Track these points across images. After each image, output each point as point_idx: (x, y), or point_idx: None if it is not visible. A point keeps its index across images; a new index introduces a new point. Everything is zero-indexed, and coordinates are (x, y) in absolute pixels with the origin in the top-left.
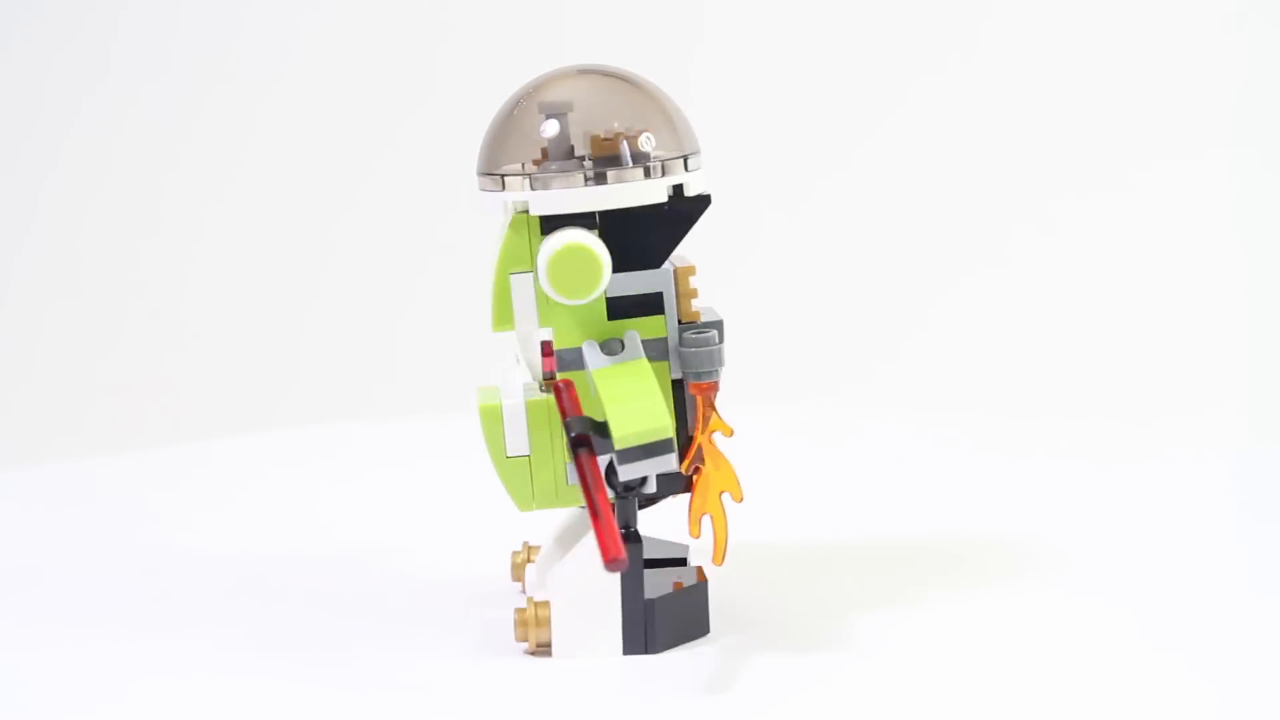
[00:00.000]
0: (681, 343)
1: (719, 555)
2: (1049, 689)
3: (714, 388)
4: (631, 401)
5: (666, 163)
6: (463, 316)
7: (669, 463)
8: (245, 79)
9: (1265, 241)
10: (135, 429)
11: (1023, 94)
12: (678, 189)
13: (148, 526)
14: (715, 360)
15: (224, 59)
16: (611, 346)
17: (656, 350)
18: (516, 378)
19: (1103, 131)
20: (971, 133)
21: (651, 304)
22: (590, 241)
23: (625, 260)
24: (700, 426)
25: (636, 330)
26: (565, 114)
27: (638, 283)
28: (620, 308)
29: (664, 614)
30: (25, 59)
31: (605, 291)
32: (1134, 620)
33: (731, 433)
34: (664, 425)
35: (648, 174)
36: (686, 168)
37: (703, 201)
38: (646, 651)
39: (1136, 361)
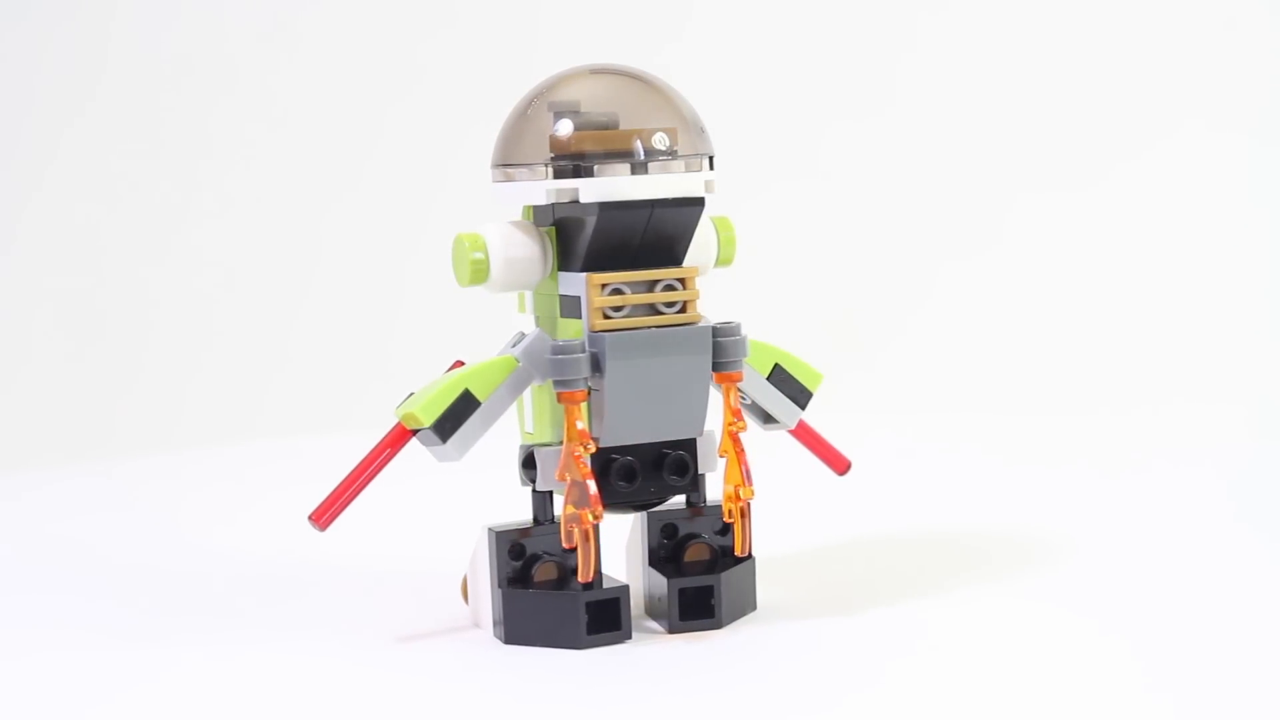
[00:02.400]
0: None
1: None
2: (1050, 689)
3: (577, 396)
4: (434, 387)
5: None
6: (460, 323)
7: (440, 452)
8: (240, 82)
9: (1267, 234)
10: (132, 434)
11: (1023, 87)
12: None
13: (143, 532)
14: (574, 369)
15: (220, 59)
16: (517, 338)
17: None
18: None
19: (1100, 125)
20: (966, 126)
21: (574, 307)
22: (480, 231)
23: (563, 260)
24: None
25: (542, 333)
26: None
27: (568, 285)
28: (567, 307)
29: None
30: (15, 57)
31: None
32: (1136, 621)
33: (588, 439)
34: (413, 415)
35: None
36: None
37: (589, 210)
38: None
39: (1137, 358)
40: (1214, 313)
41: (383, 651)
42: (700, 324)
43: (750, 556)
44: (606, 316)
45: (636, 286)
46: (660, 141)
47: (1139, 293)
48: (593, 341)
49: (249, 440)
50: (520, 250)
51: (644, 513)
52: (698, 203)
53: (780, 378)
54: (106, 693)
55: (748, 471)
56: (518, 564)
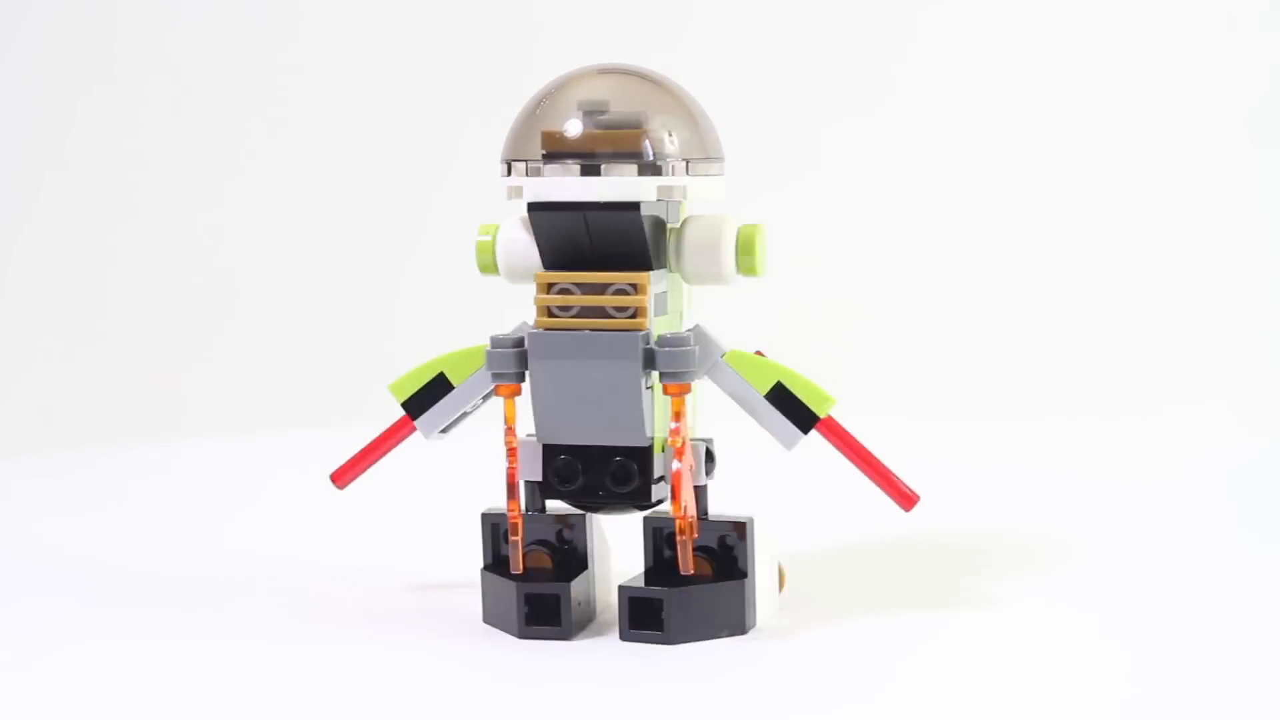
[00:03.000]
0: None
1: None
2: (1053, 689)
3: (504, 390)
4: (418, 367)
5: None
6: (463, 317)
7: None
8: (240, 79)
9: (1268, 234)
10: (128, 427)
11: (1023, 87)
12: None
13: (146, 524)
14: (502, 363)
15: (223, 52)
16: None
17: None
18: None
19: (1098, 125)
20: (964, 126)
21: None
22: (499, 222)
23: (540, 256)
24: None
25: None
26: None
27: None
28: None
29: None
30: (17, 55)
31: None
32: (1141, 624)
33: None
34: (391, 390)
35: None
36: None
37: (531, 209)
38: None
39: (1138, 358)
40: (1215, 312)
41: (386, 646)
42: (635, 331)
43: (745, 575)
44: (551, 314)
45: (588, 288)
46: (618, 144)
47: (1140, 292)
48: (528, 338)
49: (248, 433)
50: (516, 243)
51: (643, 518)
52: (630, 208)
53: (781, 396)
54: (109, 691)
55: (681, 498)
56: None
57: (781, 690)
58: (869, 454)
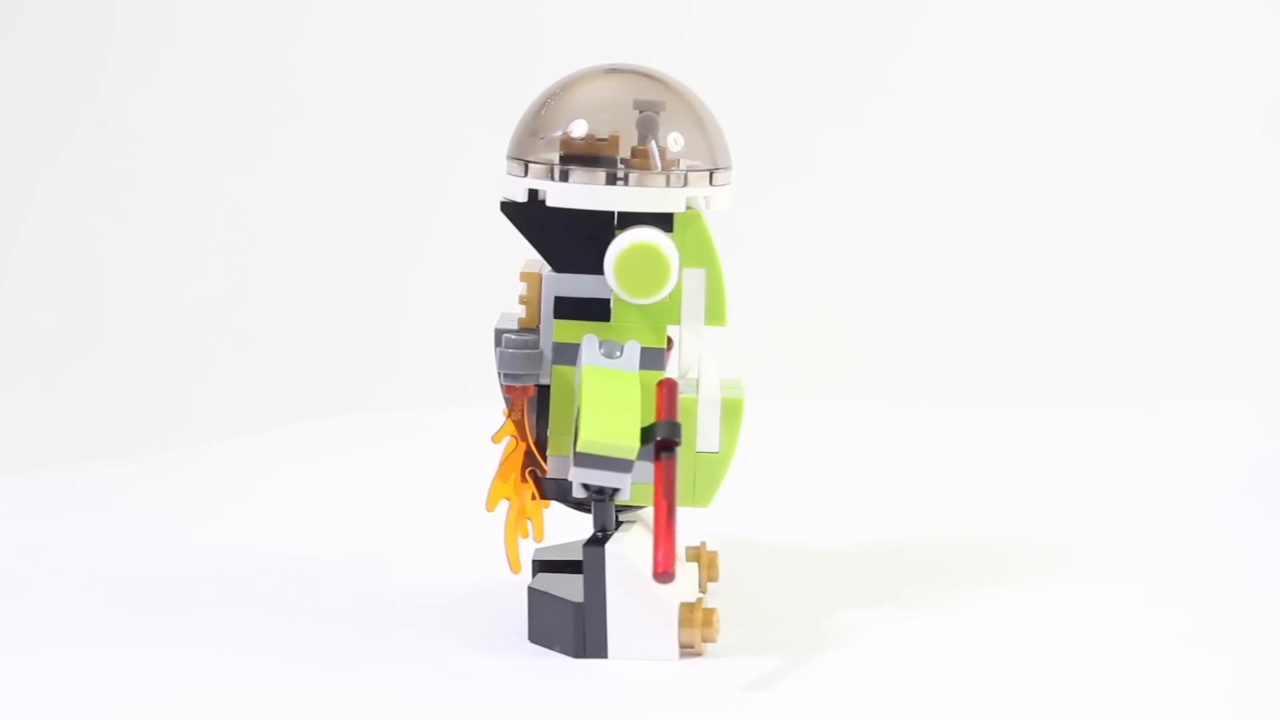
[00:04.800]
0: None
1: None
2: (1056, 688)
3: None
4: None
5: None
6: (463, 309)
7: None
8: (246, 75)
9: (1271, 234)
10: (129, 430)
11: (1024, 81)
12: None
13: (154, 526)
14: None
15: (225, 51)
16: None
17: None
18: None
19: (1102, 126)
20: (966, 127)
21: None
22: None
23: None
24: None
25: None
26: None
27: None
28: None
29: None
30: (17, 54)
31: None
32: (1143, 619)
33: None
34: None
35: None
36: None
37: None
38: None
39: (1140, 358)
40: (1217, 312)
41: (390, 649)
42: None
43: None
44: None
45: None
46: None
47: (1142, 293)
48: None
49: (246, 435)
50: None
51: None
52: (517, 206)
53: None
54: (113, 695)
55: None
56: None
57: (783, 690)
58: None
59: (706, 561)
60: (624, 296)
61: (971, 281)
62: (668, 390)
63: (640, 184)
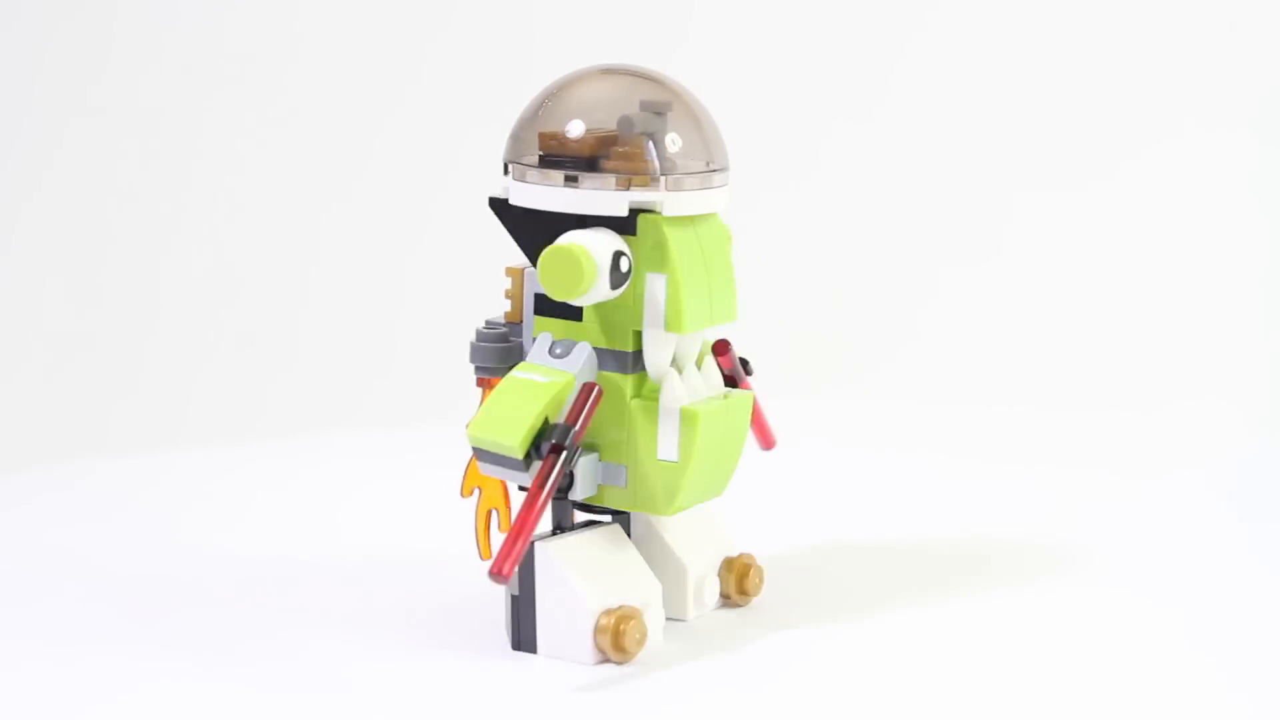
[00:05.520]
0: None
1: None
2: (1058, 688)
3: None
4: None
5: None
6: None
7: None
8: (243, 77)
9: (1270, 234)
10: (129, 435)
11: (1019, 81)
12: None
13: (145, 536)
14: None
15: (221, 54)
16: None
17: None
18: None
19: (1099, 125)
20: (964, 127)
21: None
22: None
23: None
24: None
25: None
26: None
27: None
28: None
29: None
30: (14, 53)
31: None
32: (1147, 619)
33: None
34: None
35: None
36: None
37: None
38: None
39: (1141, 353)
40: (1217, 312)
41: (394, 655)
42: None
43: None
44: None
45: None
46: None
47: (1142, 293)
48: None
49: (247, 442)
50: None
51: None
52: (500, 203)
53: None
54: (116, 702)
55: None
56: None
57: (785, 691)
58: None
59: (739, 572)
60: (551, 295)
61: (967, 282)
62: (583, 395)
63: (591, 187)
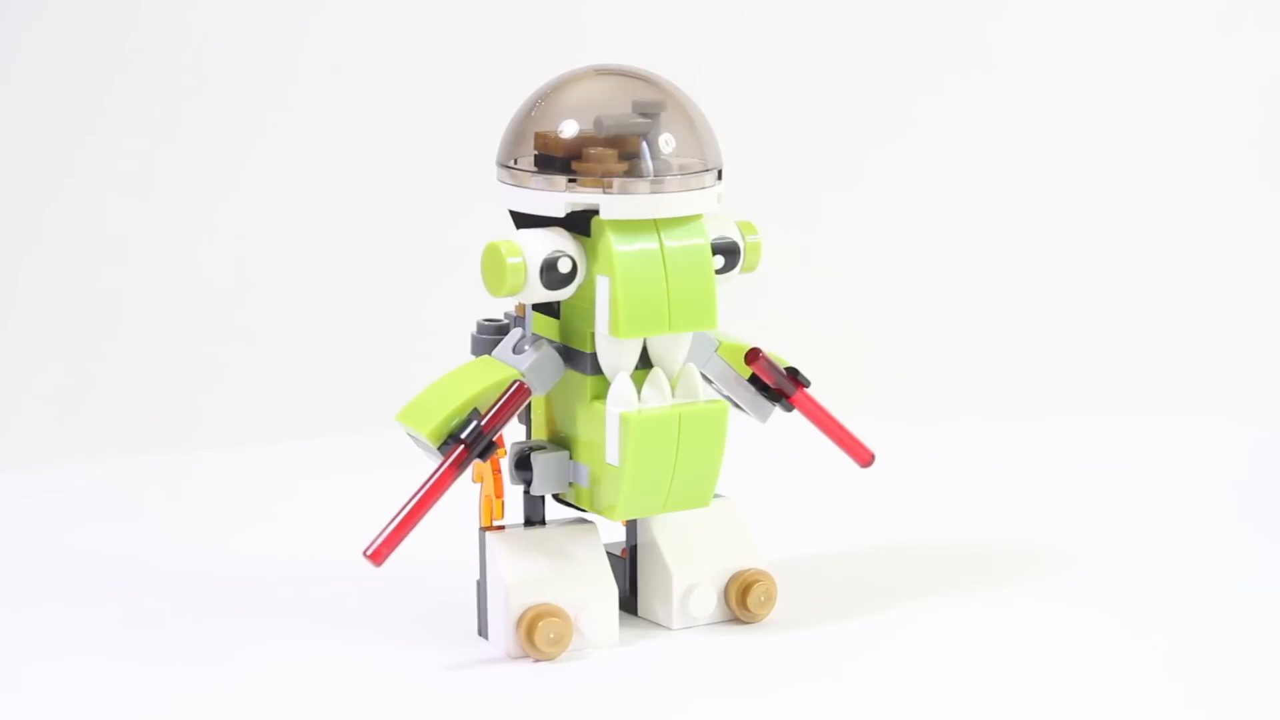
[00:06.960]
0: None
1: None
2: (1062, 694)
3: None
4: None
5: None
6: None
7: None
8: (250, 80)
9: (1270, 237)
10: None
11: (1027, 98)
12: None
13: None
14: None
15: (238, 54)
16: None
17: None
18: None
19: (1108, 138)
20: (978, 141)
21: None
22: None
23: None
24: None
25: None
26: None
27: None
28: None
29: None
30: (29, 55)
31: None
32: (1151, 624)
33: None
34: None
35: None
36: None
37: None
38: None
39: (1144, 360)
40: (1217, 313)
41: (400, 656)
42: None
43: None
44: None
45: None
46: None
47: (1143, 294)
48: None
49: (263, 444)
50: None
51: None
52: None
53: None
54: (128, 704)
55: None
56: None
57: (786, 691)
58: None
59: (741, 587)
60: (486, 290)
61: (968, 290)
62: (504, 392)
63: (536, 187)
